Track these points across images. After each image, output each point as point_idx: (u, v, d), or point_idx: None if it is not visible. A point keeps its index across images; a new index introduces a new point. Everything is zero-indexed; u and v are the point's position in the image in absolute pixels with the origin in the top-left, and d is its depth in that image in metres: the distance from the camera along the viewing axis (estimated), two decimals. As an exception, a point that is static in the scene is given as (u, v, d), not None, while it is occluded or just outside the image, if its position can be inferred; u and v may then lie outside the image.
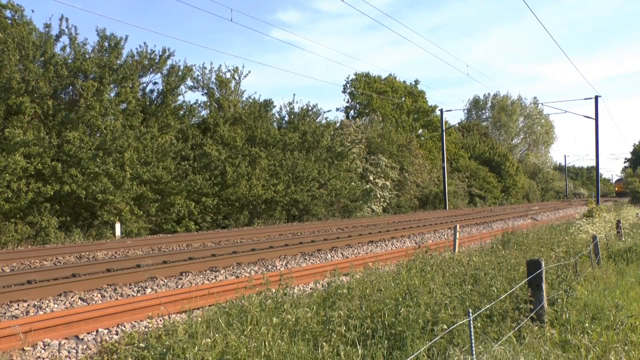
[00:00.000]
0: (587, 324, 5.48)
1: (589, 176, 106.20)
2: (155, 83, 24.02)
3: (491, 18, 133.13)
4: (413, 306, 5.14)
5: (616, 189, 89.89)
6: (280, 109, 32.62)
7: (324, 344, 4.42)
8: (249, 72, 46.86)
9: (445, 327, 4.61)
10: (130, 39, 47.35)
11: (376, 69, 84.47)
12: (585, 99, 40.20)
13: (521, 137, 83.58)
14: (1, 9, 19.40)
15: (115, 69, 21.31)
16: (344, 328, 4.74)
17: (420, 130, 53.89)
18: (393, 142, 41.28)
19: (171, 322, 5.04)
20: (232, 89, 29.21)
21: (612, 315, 5.76)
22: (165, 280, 10.16)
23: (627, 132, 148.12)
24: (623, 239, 13.52)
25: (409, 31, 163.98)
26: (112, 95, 21.39)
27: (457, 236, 12.76)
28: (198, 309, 6.93)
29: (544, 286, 5.56)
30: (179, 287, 9.72)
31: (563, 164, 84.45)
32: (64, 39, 21.00)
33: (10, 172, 16.97)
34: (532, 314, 5.30)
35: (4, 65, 17.91)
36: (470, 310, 4.24)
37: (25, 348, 5.81)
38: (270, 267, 12.08)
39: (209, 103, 27.92)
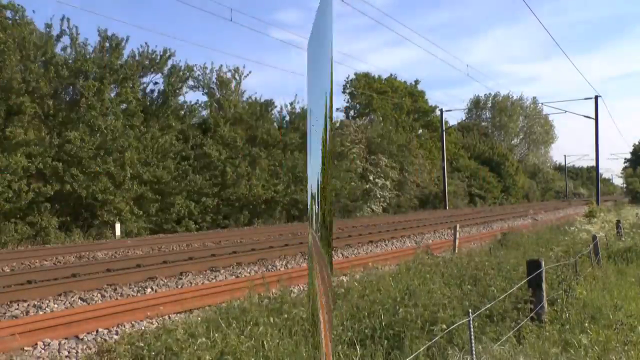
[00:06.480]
0: (586, 324, 5.48)
1: (589, 176, 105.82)
2: (156, 83, 24.06)
3: (491, 18, 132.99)
4: (412, 306, 5.14)
5: None
6: (281, 109, 32.65)
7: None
8: (250, 72, 46.68)
9: (444, 327, 4.61)
10: (130, 38, 46.94)
11: (376, 69, 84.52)
12: (585, 99, 39.93)
13: (521, 137, 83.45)
14: (2, 9, 19.40)
15: (116, 69, 21.32)
16: (341, 328, 4.74)
17: (420, 130, 53.82)
18: (393, 142, 41.22)
19: (171, 321, 5.05)
20: (233, 89, 29.22)
21: (612, 314, 5.76)
22: (165, 280, 10.16)
23: (627, 132, 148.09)
24: (623, 238, 13.50)
25: (409, 31, 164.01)
26: (112, 95, 21.41)
27: (457, 236, 12.74)
28: (197, 309, 6.93)
29: (544, 286, 5.56)
30: (179, 287, 9.72)
31: (563, 164, 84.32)
32: (65, 39, 21.02)
33: (11, 172, 16.98)
34: (532, 314, 5.30)
35: (5, 65, 17.92)
36: (470, 310, 4.24)
37: (25, 348, 5.81)
38: (270, 267, 12.07)
39: (209, 103, 27.94)
